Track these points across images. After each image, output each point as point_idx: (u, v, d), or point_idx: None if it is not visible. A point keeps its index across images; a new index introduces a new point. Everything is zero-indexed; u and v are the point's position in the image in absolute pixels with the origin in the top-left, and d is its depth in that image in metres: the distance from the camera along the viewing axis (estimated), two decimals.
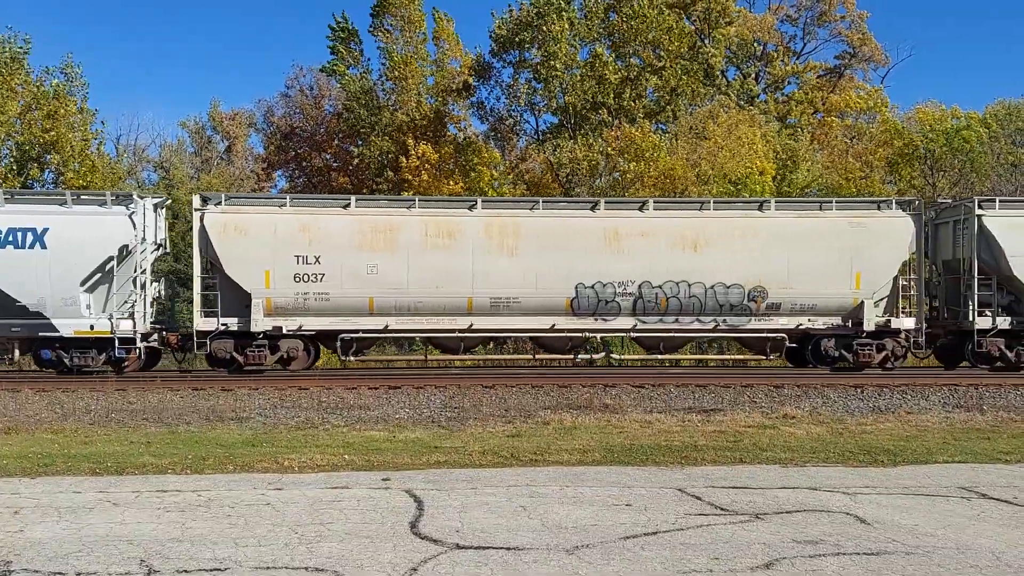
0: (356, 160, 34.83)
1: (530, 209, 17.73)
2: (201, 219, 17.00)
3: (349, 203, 17.56)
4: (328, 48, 35.81)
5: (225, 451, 9.48)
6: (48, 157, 29.21)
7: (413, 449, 9.65)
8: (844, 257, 17.35)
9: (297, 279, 16.76)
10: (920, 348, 18.03)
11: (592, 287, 17.15)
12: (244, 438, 10.66)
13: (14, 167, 28.76)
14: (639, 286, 17.17)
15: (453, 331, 17.28)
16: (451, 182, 29.79)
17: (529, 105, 32.41)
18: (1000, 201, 18.19)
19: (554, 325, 17.37)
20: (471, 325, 17.22)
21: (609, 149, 28.05)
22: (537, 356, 19.22)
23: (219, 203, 17.21)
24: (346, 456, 9.08)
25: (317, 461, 8.77)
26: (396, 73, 32.32)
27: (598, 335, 17.96)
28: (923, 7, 65.79)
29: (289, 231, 16.93)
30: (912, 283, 17.98)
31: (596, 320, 17.37)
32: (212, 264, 17.06)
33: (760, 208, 17.89)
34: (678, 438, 10.47)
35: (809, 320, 17.50)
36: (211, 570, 5.08)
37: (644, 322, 17.40)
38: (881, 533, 5.95)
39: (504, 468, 8.51)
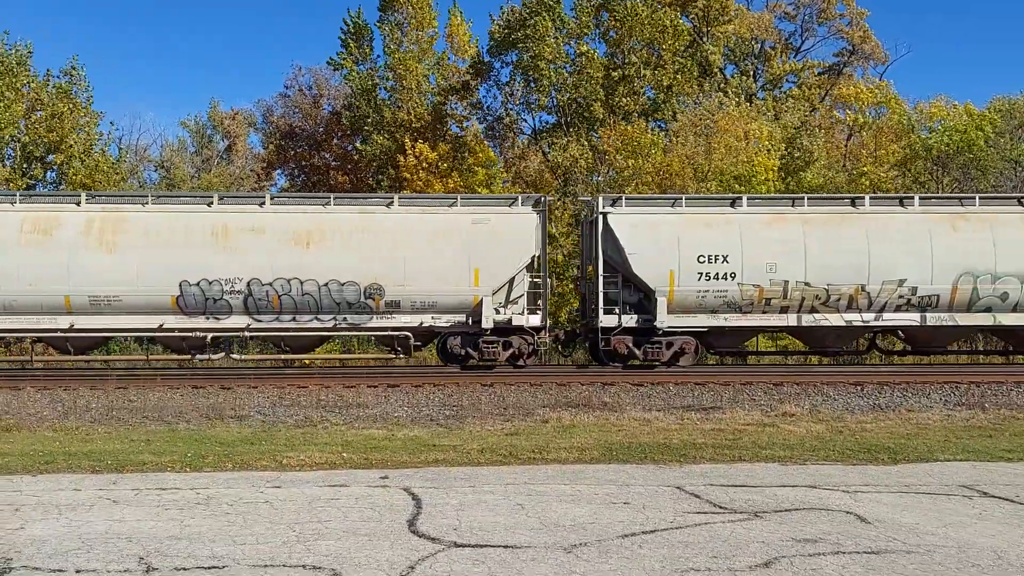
0: (356, 158, 34.86)
1: (141, 204, 17.10)
2: None
3: None
4: (339, 40, 35.76)
5: (224, 449, 9.48)
6: (52, 157, 29.27)
7: (411, 447, 9.65)
8: (464, 254, 16.85)
9: None
10: (546, 346, 17.76)
11: (198, 285, 16.45)
12: (243, 436, 10.66)
13: (22, 166, 28.81)
14: (248, 284, 16.50)
15: (55, 331, 16.52)
16: (449, 181, 29.82)
17: (525, 104, 32.45)
18: (626, 200, 17.94)
19: (162, 325, 16.64)
20: (72, 325, 16.45)
21: (605, 146, 28.03)
22: (150, 358, 18.77)
23: None
24: (344, 454, 9.08)
25: (316, 459, 8.77)
26: (398, 71, 32.31)
27: (210, 335, 16.80)
28: (921, 4, 65.74)
29: None
30: (539, 281, 17.46)
31: (208, 319, 16.68)
32: None
33: (388, 205, 17.40)
34: (677, 436, 10.46)
35: (433, 318, 17.00)
36: (209, 568, 5.07)
37: (259, 321, 16.75)
38: (881, 532, 5.94)
39: (502, 466, 8.50)
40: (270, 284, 16.60)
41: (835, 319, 17.36)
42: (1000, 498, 7.04)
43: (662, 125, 31.97)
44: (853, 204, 17.76)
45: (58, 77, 29.67)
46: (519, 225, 17.35)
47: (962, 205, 17.88)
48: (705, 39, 33.20)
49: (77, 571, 5.01)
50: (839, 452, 9.30)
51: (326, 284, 16.63)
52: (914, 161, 29.50)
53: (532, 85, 30.95)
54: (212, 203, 17.16)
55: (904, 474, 8.10)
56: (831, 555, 5.36)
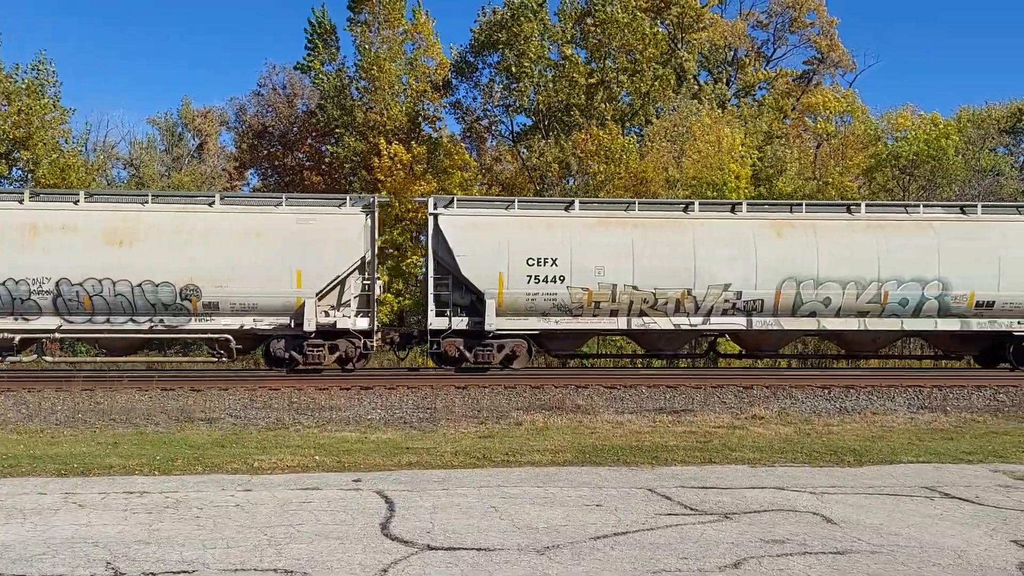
0: (329, 159, 34.66)
1: None
2: None
3: None
4: (305, 43, 35.56)
5: (194, 452, 9.40)
6: (18, 154, 28.76)
7: (385, 450, 9.63)
8: (286, 255, 16.58)
9: None
10: (371, 350, 17.55)
11: (4, 284, 16.01)
12: (214, 439, 10.57)
13: None
14: (56, 283, 16.03)
15: None
16: (423, 182, 29.76)
17: (504, 106, 32.48)
18: (458, 201, 18.01)
19: None
20: None
21: (578, 151, 28.16)
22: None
23: None
24: (317, 457, 9.04)
25: (287, 462, 8.72)
26: (370, 73, 32.17)
27: (18, 336, 16.26)
28: (891, 12, 66.82)
29: None
30: (368, 283, 17.30)
31: (16, 320, 16.18)
32: None
33: (210, 204, 17.08)
34: (649, 439, 10.55)
35: (255, 320, 16.67)
36: (178, 572, 5.03)
37: (71, 322, 16.29)
38: (847, 532, 6.05)
39: (476, 469, 8.52)
40: (80, 284, 16.11)
41: (664, 323, 17.49)
42: (960, 499, 7.19)
43: (638, 131, 32.19)
44: (685, 210, 17.98)
45: (25, 72, 29.19)
46: (346, 226, 17.09)
47: (791, 212, 18.17)
48: (680, 46, 33.49)
49: None
50: (807, 454, 9.44)
51: (139, 285, 16.18)
52: (880, 169, 29.95)
53: (513, 86, 31.01)
54: (23, 200, 16.67)
55: (869, 476, 8.25)
56: (798, 555, 5.45)
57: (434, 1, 49.16)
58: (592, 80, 30.60)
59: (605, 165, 26.94)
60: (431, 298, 17.21)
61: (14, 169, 29.60)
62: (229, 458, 8.96)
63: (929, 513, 6.67)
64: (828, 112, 32.98)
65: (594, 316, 17.29)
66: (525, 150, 31.59)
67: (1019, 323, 18.05)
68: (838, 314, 17.61)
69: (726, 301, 17.33)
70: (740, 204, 18.33)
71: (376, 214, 17.43)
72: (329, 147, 34.32)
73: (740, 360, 19.85)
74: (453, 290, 17.21)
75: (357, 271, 17.19)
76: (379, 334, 18.23)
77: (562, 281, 16.99)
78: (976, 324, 17.93)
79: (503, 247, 16.96)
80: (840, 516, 6.52)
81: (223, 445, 10.00)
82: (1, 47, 29.06)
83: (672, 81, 31.79)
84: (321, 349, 16.77)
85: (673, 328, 17.52)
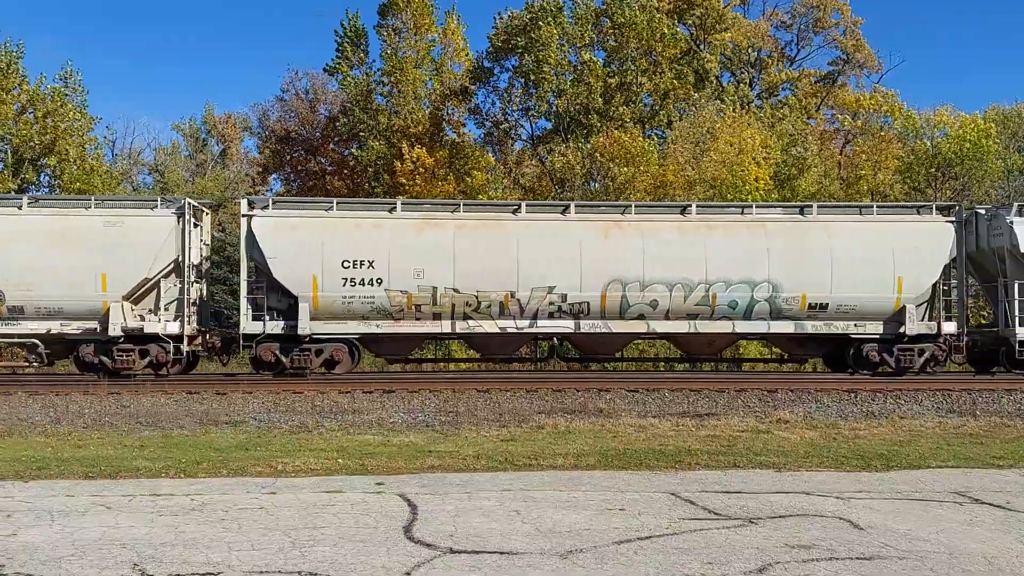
0: (352, 164, 34.87)
1: None
2: None
3: None
4: (335, 45, 35.82)
5: (219, 455, 9.47)
6: (44, 160, 29.22)
7: (407, 453, 9.65)
8: (92, 258, 16.45)
9: None
10: (174, 355, 17.17)
11: None
12: (238, 442, 10.64)
13: (12, 168, 28.73)
14: None
15: None
16: (446, 186, 29.85)
17: (523, 110, 32.50)
18: (273, 203, 17.77)
19: None
20: None
21: (598, 154, 28.11)
22: None
23: None
24: (340, 460, 9.07)
25: (311, 465, 8.76)
26: (394, 77, 32.34)
27: None
28: (916, 11, 66.09)
29: None
30: (178, 285, 17.23)
31: None
32: None
33: (19, 208, 17.04)
34: (672, 442, 10.48)
35: (62, 324, 16.56)
36: (204, 574, 5.06)
37: None
38: (874, 538, 5.97)
39: (498, 472, 8.51)
40: None
41: (489, 326, 17.28)
42: (991, 504, 7.07)
43: (659, 133, 32.08)
44: (513, 212, 17.76)
45: (53, 81, 29.67)
46: (156, 229, 16.99)
47: (623, 214, 17.94)
48: (702, 47, 33.33)
49: None
50: (833, 459, 9.34)
51: None
52: (916, 168, 29.62)
53: (532, 91, 31.02)
54: None
55: (897, 480, 8.14)
56: (825, 561, 5.38)
57: (452, 3, 49.30)
58: (611, 82, 30.54)
59: (625, 168, 26.85)
60: (244, 301, 17.04)
61: (42, 175, 30.07)
62: (253, 461, 9.01)
63: (959, 519, 6.57)
64: (862, 110, 32.65)
65: (417, 320, 17.10)
66: (545, 154, 31.58)
67: (856, 326, 17.67)
68: (667, 317, 17.38)
69: (551, 304, 17.11)
70: (569, 206, 18.01)
71: (187, 217, 17.18)
72: (353, 151, 34.54)
73: (582, 364, 19.60)
74: (268, 293, 17.03)
75: (174, 275, 17.08)
76: (200, 338, 17.95)
77: (380, 284, 16.79)
78: (811, 327, 17.62)
79: (317, 249, 16.77)
80: (867, 521, 6.44)
81: (247, 448, 10.07)
82: (24, 56, 29.26)
83: (691, 78, 31.64)
84: (131, 354, 16.65)
85: (499, 332, 17.30)
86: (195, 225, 17.93)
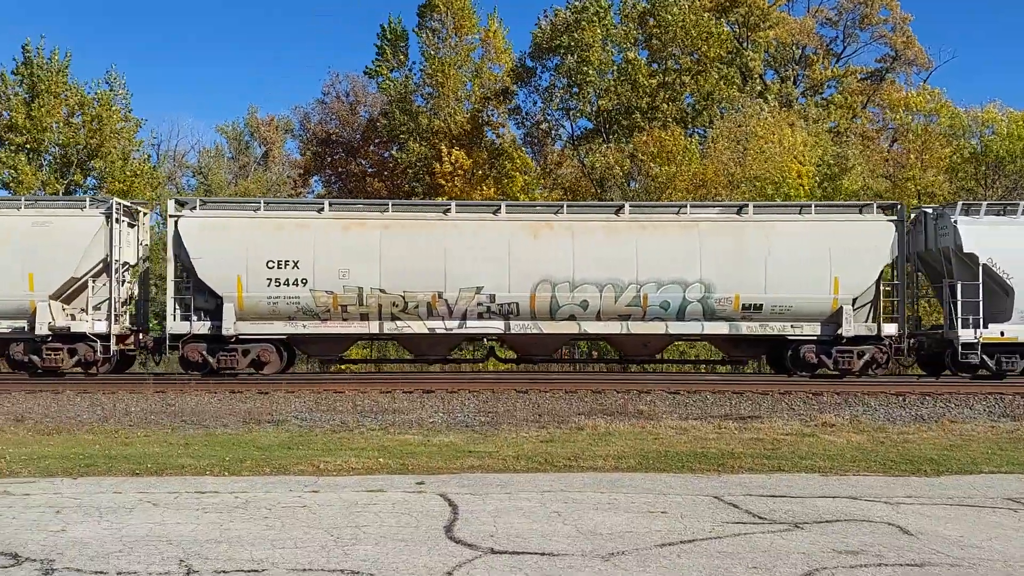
0: (392, 165, 35.11)
1: None
2: None
3: None
4: (375, 48, 36.13)
5: (262, 453, 9.57)
6: (91, 163, 29.89)
7: (447, 453, 9.66)
8: (19, 258, 16.70)
9: None
10: (95, 355, 17.22)
11: None
12: (281, 441, 10.75)
13: (59, 171, 29.44)
14: None
15: None
16: (484, 187, 29.89)
17: (564, 110, 32.41)
18: (201, 203, 17.71)
19: None
20: None
21: (640, 154, 27.92)
22: None
23: None
24: (381, 459, 9.11)
25: (352, 464, 8.81)
26: (435, 79, 32.49)
27: None
28: (966, 10, 64.57)
29: None
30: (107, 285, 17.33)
31: None
32: None
33: None
34: (714, 445, 10.35)
35: None
36: (249, 571, 5.11)
37: None
38: (925, 544, 5.82)
39: (538, 473, 8.48)
40: None
41: (418, 326, 17.11)
42: None
43: (701, 132, 31.77)
44: (444, 212, 17.55)
45: (97, 85, 30.33)
46: (83, 229, 17.12)
47: (555, 214, 17.61)
48: (746, 45, 32.94)
49: (119, 573, 5.08)
50: (881, 463, 9.14)
51: None
52: (964, 167, 28.94)
53: (574, 90, 30.91)
54: None
55: (948, 486, 7.93)
56: (874, 567, 5.26)
57: (491, 7, 49.37)
58: (652, 81, 30.33)
59: (666, 167, 26.63)
60: (171, 302, 17.16)
61: (88, 178, 30.77)
62: (296, 460, 9.10)
63: (1013, 525, 6.38)
64: (910, 109, 31.98)
65: (344, 320, 17.03)
66: (584, 154, 31.47)
67: (792, 327, 17.23)
68: (599, 318, 17.12)
69: (479, 304, 16.96)
70: (500, 206, 17.78)
71: (113, 216, 17.30)
72: (393, 153, 34.78)
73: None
74: (195, 294, 17.11)
75: (104, 274, 17.24)
76: (132, 338, 18.09)
77: (304, 284, 16.77)
78: (746, 328, 17.25)
79: (242, 250, 16.81)
80: (917, 527, 6.28)
81: (290, 447, 10.16)
82: (71, 62, 29.97)
83: (737, 80, 31.27)
84: (60, 353, 16.84)
85: (428, 332, 17.17)
86: (130, 225, 18.28)
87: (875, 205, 18.16)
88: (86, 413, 13.28)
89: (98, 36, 71.81)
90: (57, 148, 29.57)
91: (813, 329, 17.30)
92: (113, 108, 29.91)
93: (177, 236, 17.22)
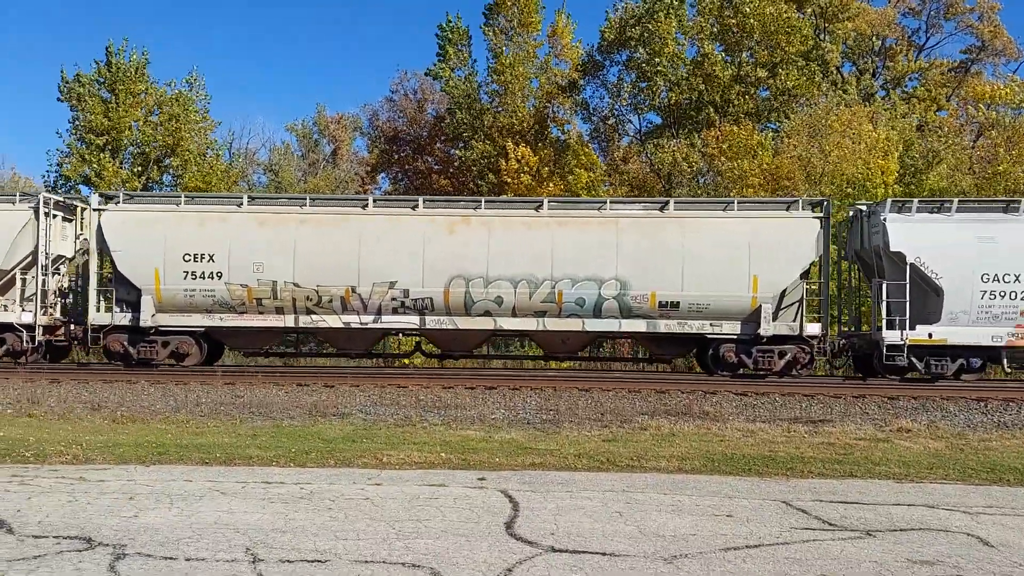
0: (457, 163, 35.28)
1: None
2: None
3: None
4: (437, 49, 36.33)
5: (327, 446, 9.71)
6: (168, 161, 30.89)
7: (508, 450, 9.63)
8: None
9: None
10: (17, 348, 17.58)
11: None
12: (345, 434, 10.89)
13: (138, 168, 30.50)
14: None
15: None
16: (550, 184, 29.80)
17: (633, 105, 32.05)
18: (124, 196, 18.03)
19: None
20: None
21: (710, 148, 27.42)
22: None
23: None
24: (443, 454, 9.14)
25: (415, 458, 8.86)
26: (504, 77, 32.49)
27: None
28: None
29: None
30: (45, 279, 17.73)
31: None
32: None
33: None
34: (783, 449, 10.08)
35: None
36: (312, 561, 5.16)
37: None
38: (1007, 556, 5.54)
39: (600, 473, 8.38)
40: None
41: (332, 320, 17.03)
42: None
43: (773, 127, 31.05)
44: (362, 207, 17.31)
45: (179, 85, 31.32)
46: (11, 223, 17.62)
47: (474, 210, 17.23)
48: (823, 37, 32.04)
49: (187, 559, 5.19)
50: (959, 471, 8.76)
51: None
52: None
53: (643, 84, 30.55)
54: None
55: None
56: None
57: (559, 1, 49.22)
58: (728, 73, 29.74)
59: (737, 162, 26.08)
60: (94, 293, 17.58)
61: (165, 175, 31.80)
62: (359, 452, 9.19)
63: None
64: (996, 102, 30.65)
65: (260, 314, 17.12)
66: (652, 149, 31.07)
67: (712, 325, 16.67)
68: (514, 313, 16.90)
69: (393, 299, 16.88)
70: (418, 201, 17.56)
71: (40, 210, 17.69)
72: (458, 151, 34.94)
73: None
74: (117, 286, 17.47)
75: (33, 267, 17.70)
76: (62, 329, 18.44)
77: (220, 277, 16.96)
78: (664, 326, 16.83)
79: (160, 243, 17.07)
80: (999, 539, 5.98)
81: (354, 440, 10.28)
82: (149, 63, 30.98)
83: (817, 76, 30.43)
84: None
85: (343, 327, 17.12)
86: (67, 220, 18.85)
87: (800, 202, 17.66)
88: (159, 403, 13.70)
89: (174, 36, 74.14)
90: (135, 146, 30.61)
91: (733, 328, 16.99)
92: (191, 108, 30.85)
93: (99, 230, 17.77)
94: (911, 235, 16.72)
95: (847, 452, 9.91)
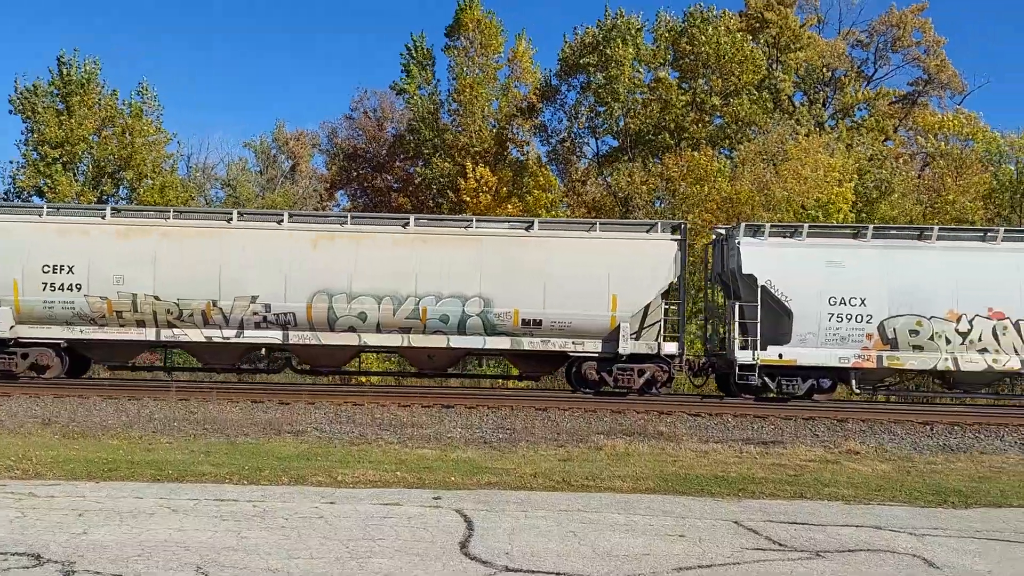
0: (417, 181, 35.31)
1: None
2: None
3: None
4: (401, 66, 36.40)
5: (281, 463, 9.60)
6: (122, 173, 30.38)
7: (464, 469, 9.62)
8: None
9: None
10: None
11: None
12: (299, 451, 10.78)
13: (92, 182, 29.94)
14: None
15: None
16: (509, 205, 29.96)
17: (590, 128, 32.44)
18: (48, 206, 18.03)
19: None
20: None
21: (671, 173, 27.85)
22: None
23: None
24: (398, 473, 9.10)
25: (370, 477, 8.81)
26: (463, 96, 32.67)
27: None
28: (1001, 35, 63.95)
29: None
30: None
31: None
32: None
33: None
34: (735, 469, 10.23)
35: None
36: None
37: None
38: None
39: (555, 492, 8.42)
40: None
41: (195, 334, 17.10)
42: None
43: (727, 153, 31.68)
44: (227, 221, 17.44)
45: (128, 96, 30.89)
46: None
47: (340, 226, 17.54)
48: (776, 67, 32.84)
49: None
50: (906, 493, 8.97)
51: None
52: (1000, 193, 28.58)
53: (600, 109, 30.94)
54: None
55: (976, 519, 7.76)
56: None
57: (518, 25, 49.72)
58: (684, 99, 30.30)
59: (697, 187, 26.51)
60: None
61: (120, 188, 31.26)
62: (314, 470, 9.11)
63: None
64: (944, 132, 31.65)
65: (121, 327, 17.07)
66: (609, 173, 31.47)
67: (574, 343, 17.05)
68: (379, 330, 17.03)
69: (255, 314, 16.93)
70: (283, 216, 17.79)
71: None
72: (418, 169, 34.98)
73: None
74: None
75: None
76: None
77: (79, 289, 16.86)
78: (527, 343, 17.11)
79: (20, 254, 16.94)
80: (944, 560, 6.15)
81: (308, 458, 10.18)
82: (101, 71, 30.55)
83: (770, 105, 31.15)
84: None
85: (205, 341, 17.18)
86: None
87: (660, 224, 18.01)
88: (111, 418, 13.40)
89: (125, 46, 73.10)
90: (90, 159, 30.08)
91: (595, 346, 17.19)
92: (144, 120, 30.42)
93: None
94: (763, 258, 17.10)
95: (797, 473, 10.08)
